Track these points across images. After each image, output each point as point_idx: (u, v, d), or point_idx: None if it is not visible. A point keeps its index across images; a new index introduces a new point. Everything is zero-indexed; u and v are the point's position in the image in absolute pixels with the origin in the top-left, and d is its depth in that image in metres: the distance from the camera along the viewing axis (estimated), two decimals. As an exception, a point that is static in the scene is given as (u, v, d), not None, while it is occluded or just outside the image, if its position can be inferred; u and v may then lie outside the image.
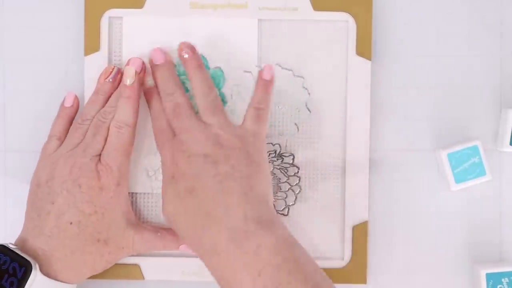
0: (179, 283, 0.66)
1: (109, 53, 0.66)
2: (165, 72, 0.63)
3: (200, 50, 0.65)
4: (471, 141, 0.64)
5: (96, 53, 0.66)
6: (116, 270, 0.65)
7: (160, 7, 0.65)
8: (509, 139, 0.64)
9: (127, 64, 0.64)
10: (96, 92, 0.64)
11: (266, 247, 0.55)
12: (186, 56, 0.63)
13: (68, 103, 0.65)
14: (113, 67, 0.64)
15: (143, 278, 0.65)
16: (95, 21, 0.65)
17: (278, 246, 0.55)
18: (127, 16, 0.66)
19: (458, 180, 0.64)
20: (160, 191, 0.65)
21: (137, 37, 0.66)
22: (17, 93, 0.67)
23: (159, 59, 0.63)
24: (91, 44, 0.65)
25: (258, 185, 0.59)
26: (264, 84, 0.63)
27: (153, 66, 0.64)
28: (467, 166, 0.64)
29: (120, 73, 0.64)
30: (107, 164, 0.61)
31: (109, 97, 0.64)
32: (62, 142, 0.63)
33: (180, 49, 0.63)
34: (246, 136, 0.61)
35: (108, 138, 0.62)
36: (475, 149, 0.64)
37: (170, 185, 0.59)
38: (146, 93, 0.65)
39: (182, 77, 0.65)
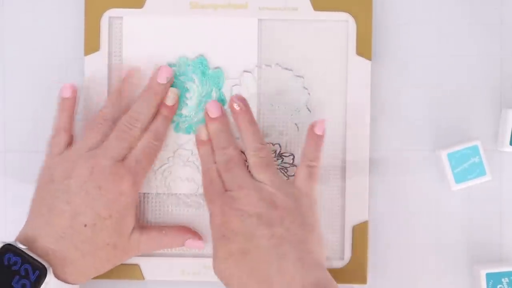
0: (179, 283, 0.66)
1: (109, 53, 0.66)
2: (220, 126, 0.63)
3: (200, 50, 0.65)
4: (471, 141, 0.64)
5: (96, 53, 0.66)
6: (116, 270, 0.64)
7: (160, 7, 0.65)
8: (509, 139, 0.64)
9: (158, 72, 0.63)
10: (118, 93, 0.64)
11: None
12: (238, 108, 0.63)
13: (66, 94, 0.64)
14: (135, 70, 0.65)
15: (143, 278, 0.65)
16: (95, 21, 0.65)
17: None
18: (127, 16, 0.66)
19: (458, 180, 0.64)
20: (160, 190, 0.66)
21: (137, 37, 0.66)
22: (17, 93, 0.67)
23: (215, 113, 0.63)
24: (91, 44, 0.65)
25: (314, 248, 0.58)
26: (316, 139, 0.62)
27: (208, 118, 0.63)
28: (467, 166, 0.64)
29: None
30: (133, 169, 0.61)
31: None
32: (69, 135, 0.63)
33: (232, 101, 0.63)
34: (299, 197, 0.60)
35: (140, 146, 0.62)
36: (475, 149, 0.64)
37: (222, 244, 0.58)
38: (199, 143, 0.64)
39: (182, 77, 0.66)
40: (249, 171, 0.62)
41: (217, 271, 0.59)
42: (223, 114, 0.64)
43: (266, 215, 0.58)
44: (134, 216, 0.62)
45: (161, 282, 0.66)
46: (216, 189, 0.61)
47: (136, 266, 0.65)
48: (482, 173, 0.64)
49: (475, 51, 0.67)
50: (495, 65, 0.66)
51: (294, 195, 0.60)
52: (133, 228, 0.62)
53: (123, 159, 0.61)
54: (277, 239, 0.57)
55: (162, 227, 0.64)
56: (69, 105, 0.64)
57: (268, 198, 0.59)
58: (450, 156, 0.64)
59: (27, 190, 0.63)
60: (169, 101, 0.64)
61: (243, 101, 0.63)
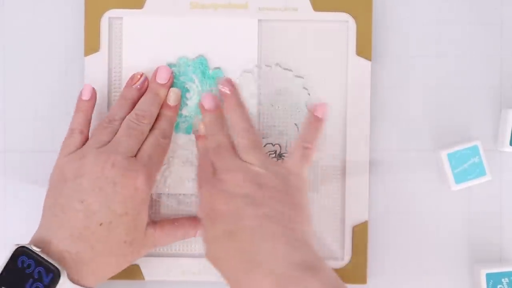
0: (179, 283, 0.66)
1: (109, 53, 0.66)
2: (212, 116, 0.63)
3: (200, 50, 0.65)
4: (471, 141, 0.64)
5: (96, 53, 0.66)
6: (116, 270, 0.65)
7: (160, 7, 0.65)
8: (509, 139, 0.64)
9: (156, 73, 0.64)
10: (123, 96, 0.64)
11: None
12: (227, 92, 0.63)
13: (86, 96, 0.63)
14: (141, 73, 0.64)
15: (143, 278, 0.65)
16: (95, 21, 0.65)
17: None
18: (127, 16, 0.66)
19: (458, 180, 0.64)
20: (160, 190, 0.66)
21: (137, 37, 0.66)
22: (17, 93, 0.67)
23: (208, 104, 0.63)
24: (91, 44, 0.65)
25: (301, 228, 0.57)
26: (316, 122, 0.62)
27: (203, 110, 0.63)
28: (467, 166, 0.64)
29: (147, 81, 0.64)
30: (147, 164, 0.60)
31: (135, 101, 0.64)
32: (85, 136, 0.62)
33: (221, 85, 0.63)
34: (287, 176, 0.59)
35: (149, 142, 0.62)
36: (475, 149, 0.64)
37: (209, 227, 0.58)
38: (196, 137, 0.65)
39: (182, 77, 0.66)
40: (239, 155, 0.61)
41: (207, 256, 0.58)
42: (217, 106, 0.63)
43: (252, 195, 0.57)
44: (147, 211, 0.61)
45: (161, 282, 0.66)
46: (206, 174, 0.60)
47: (136, 266, 0.65)
48: (482, 173, 0.64)
49: (475, 51, 0.67)
50: (495, 65, 0.67)
51: (283, 175, 0.59)
52: (147, 224, 0.62)
53: (135, 155, 0.61)
54: (264, 218, 0.56)
55: (174, 220, 0.64)
56: (87, 106, 0.63)
57: (255, 178, 0.58)
58: (450, 156, 0.64)
59: (27, 190, 0.63)
60: (171, 101, 0.64)
61: (231, 84, 0.63)
